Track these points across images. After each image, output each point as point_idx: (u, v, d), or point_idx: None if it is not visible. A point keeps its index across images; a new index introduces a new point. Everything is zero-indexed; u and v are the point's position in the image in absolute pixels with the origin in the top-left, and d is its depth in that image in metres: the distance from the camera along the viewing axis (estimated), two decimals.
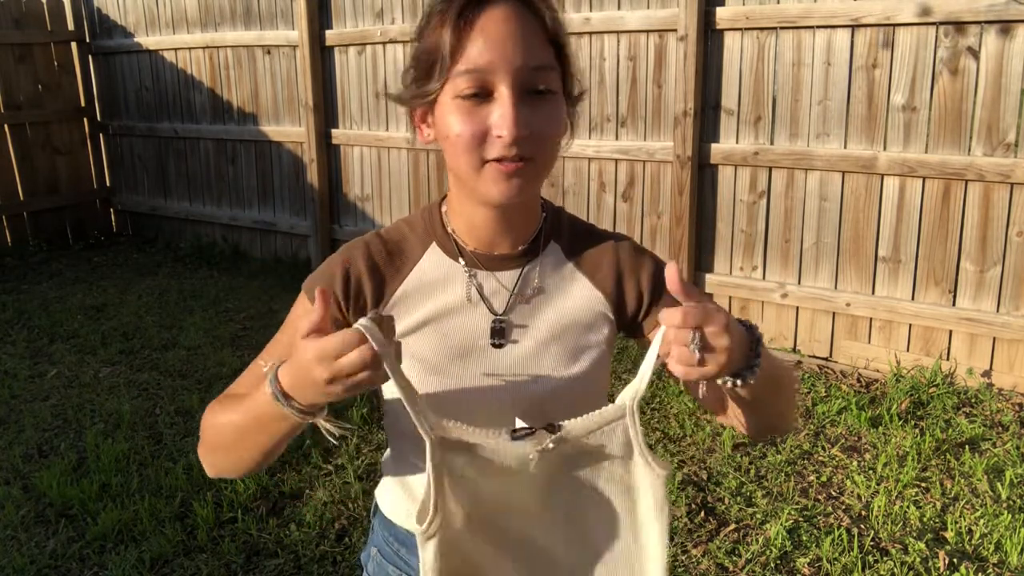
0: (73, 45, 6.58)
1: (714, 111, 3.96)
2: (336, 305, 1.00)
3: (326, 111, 5.37)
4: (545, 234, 1.04)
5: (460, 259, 1.02)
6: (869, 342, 3.76)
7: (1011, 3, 3.18)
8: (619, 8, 4.13)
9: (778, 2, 3.70)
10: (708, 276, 4.09)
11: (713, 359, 0.81)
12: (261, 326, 4.62)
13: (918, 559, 2.45)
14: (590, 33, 4.22)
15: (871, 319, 3.72)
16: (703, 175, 4.03)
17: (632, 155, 4.20)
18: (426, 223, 1.05)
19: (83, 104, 6.67)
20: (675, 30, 3.92)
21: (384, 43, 4.98)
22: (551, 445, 0.88)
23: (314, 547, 2.59)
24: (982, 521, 2.61)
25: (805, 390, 3.57)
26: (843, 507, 2.74)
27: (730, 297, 4.08)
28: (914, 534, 2.57)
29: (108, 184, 6.87)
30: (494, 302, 1.01)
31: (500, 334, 1.00)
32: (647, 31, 4.04)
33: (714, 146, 3.95)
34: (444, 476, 0.87)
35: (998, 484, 2.80)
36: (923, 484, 2.84)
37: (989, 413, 3.31)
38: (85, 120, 6.71)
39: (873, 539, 2.56)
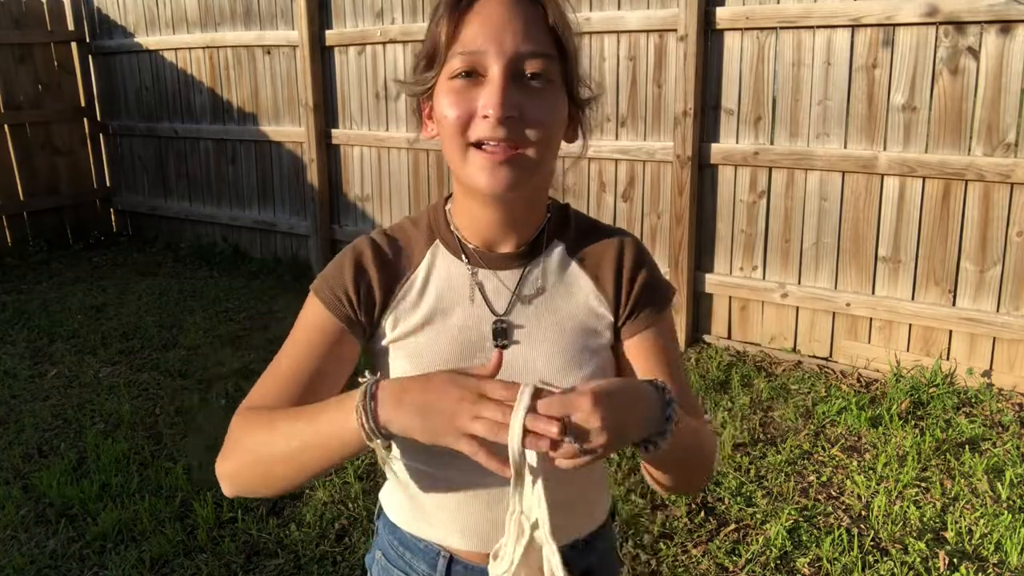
0: (73, 45, 6.58)
1: (714, 111, 3.96)
2: (348, 304, 0.98)
3: (326, 111, 5.37)
4: (548, 233, 1.03)
5: (463, 257, 1.01)
6: (869, 342, 3.76)
7: (1011, 3, 3.18)
8: (619, 8, 4.12)
9: (778, 2, 3.70)
10: (708, 276, 4.09)
11: (595, 440, 0.75)
12: (261, 326, 4.62)
13: (918, 559, 2.45)
14: (590, 33, 4.22)
15: (871, 319, 3.72)
16: (703, 175, 4.03)
17: (632, 155, 4.20)
18: (431, 220, 1.04)
19: (83, 104, 6.66)
20: (675, 30, 3.92)
21: (384, 43, 4.97)
22: None
23: (314, 547, 2.59)
24: (982, 521, 2.61)
25: (805, 390, 3.57)
26: (843, 507, 2.74)
27: (730, 297, 4.08)
28: (914, 534, 2.57)
29: (108, 184, 6.87)
30: (495, 302, 1.00)
31: (502, 335, 0.99)
32: (647, 31, 4.04)
33: (714, 146, 3.95)
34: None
35: (998, 484, 2.80)
36: (923, 484, 2.84)
37: (989, 413, 3.31)
38: (85, 120, 6.71)
39: (873, 539, 2.56)
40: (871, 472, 2.93)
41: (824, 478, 2.91)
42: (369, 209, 5.36)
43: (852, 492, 2.82)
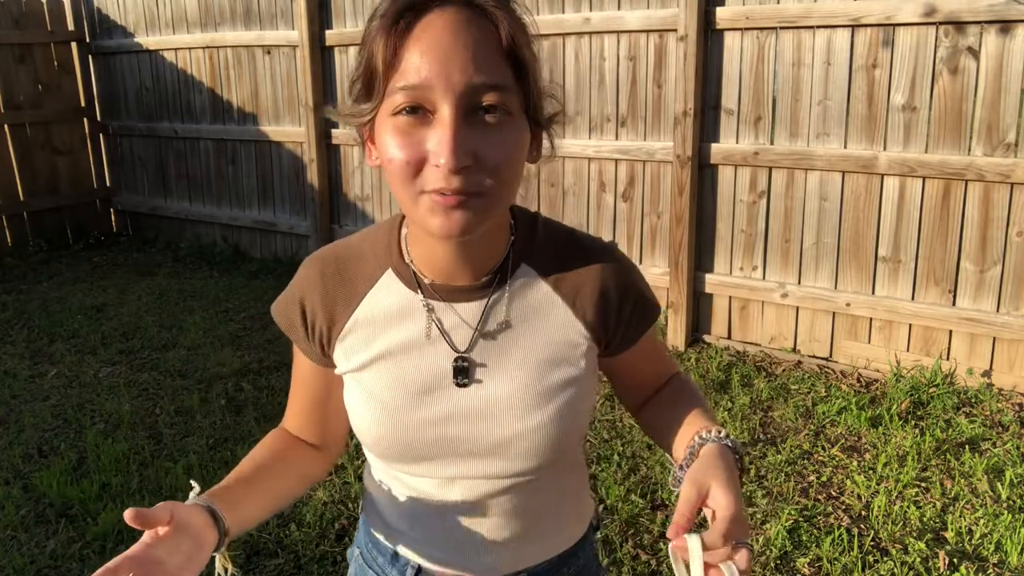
0: (73, 45, 6.58)
1: (714, 111, 3.96)
2: (306, 340, 0.98)
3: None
4: (514, 258, 0.93)
5: (418, 290, 0.92)
6: (869, 342, 3.76)
7: (1011, 3, 3.18)
8: (619, 8, 4.13)
9: (778, 2, 3.70)
10: (708, 276, 4.09)
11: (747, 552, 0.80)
12: (261, 326, 4.62)
13: (918, 559, 2.45)
14: (590, 33, 4.22)
15: (871, 319, 3.72)
16: (703, 175, 4.04)
17: (632, 155, 4.20)
18: (386, 244, 0.95)
19: (83, 104, 6.66)
20: (675, 30, 3.92)
21: None
22: None
23: (314, 547, 2.59)
24: (982, 521, 2.61)
25: (805, 390, 3.57)
26: (843, 507, 2.74)
27: (730, 297, 4.08)
28: (914, 534, 2.57)
29: (108, 184, 6.87)
30: (455, 338, 0.91)
31: (463, 373, 0.91)
32: (647, 31, 4.05)
33: (714, 146, 3.95)
34: None
35: (998, 484, 2.80)
36: (923, 484, 2.84)
37: (989, 413, 3.31)
38: (85, 120, 6.71)
39: (873, 539, 2.56)
40: (871, 472, 2.93)
41: (824, 478, 2.91)
42: (369, 209, 5.36)
43: (852, 492, 2.82)
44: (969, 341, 3.51)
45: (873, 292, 3.71)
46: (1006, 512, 2.64)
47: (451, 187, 0.77)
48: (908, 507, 2.70)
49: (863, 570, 2.42)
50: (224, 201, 6.16)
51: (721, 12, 3.81)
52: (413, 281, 0.92)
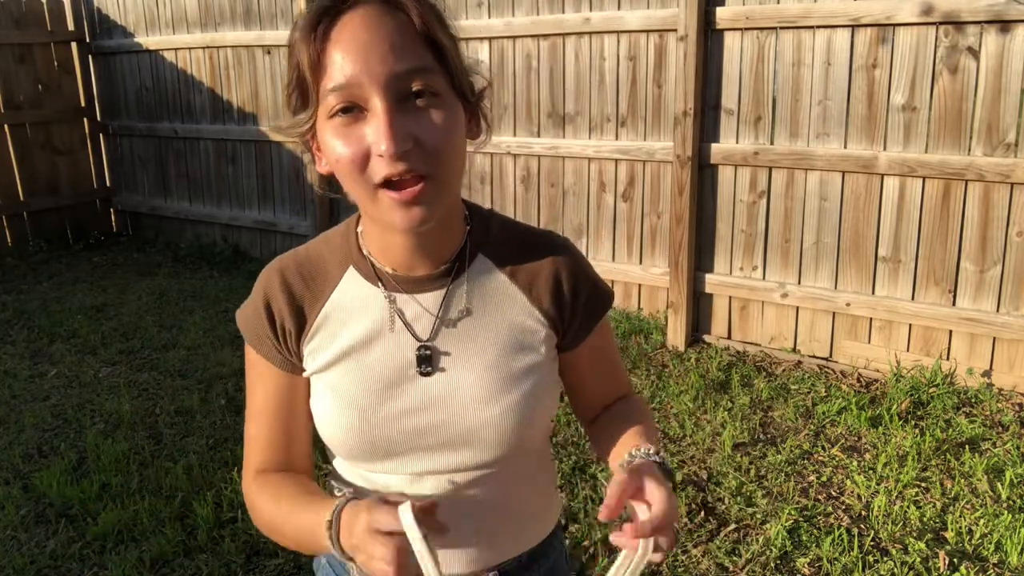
0: (73, 45, 6.58)
1: (714, 111, 3.96)
2: (274, 346, 0.97)
3: None
4: (471, 248, 0.96)
5: (379, 283, 0.94)
6: (869, 342, 3.76)
7: (1011, 2, 3.18)
8: (619, 8, 4.13)
9: (778, 2, 3.70)
10: (708, 276, 4.09)
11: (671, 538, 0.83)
12: None
13: (918, 559, 2.45)
14: (590, 33, 4.22)
15: (871, 319, 3.72)
16: (703, 175, 4.04)
17: (632, 155, 4.20)
18: (343, 243, 0.97)
19: (83, 104, 6.66)
20: (675, 30, 3.92)
21: None
22: None
23: None
24: (982, 521, 2.61)
25: (805, 390, 3.57)
26: (843, 507, 2.74)
27: (730, 297, 4.08)
28: (914, 534, 2.57)
29: (108, 184, 6.87)
30: (417, 327, 0.93)
31: (427, 361, 0.93)
32: (647, 31, 4.04)
33: (714, 146, 3.95)
34: None
35: (998, 484, 2.80)
36: (923, 484, 2.84)
37: (989, 413, 3.31)
38: (85, 120, 6.71)
39: (873, 539, 2.56)
40: (871, 472, 2.93)
41: (824, 478, 2.91)
42: None
43: (852, 492, 2.82)
44: (969, 341, 3.51)
45: (873, 292, 3.71)
46: (1006, 512, 2.64)
47: (397, 171, 0.80)
48: (908, 507, 2.70)
49: (863, 570, 2.42)
50: (224, 201, 6.16)
51: (721, 12, 3.81)
52: (373, 275, 0.95)
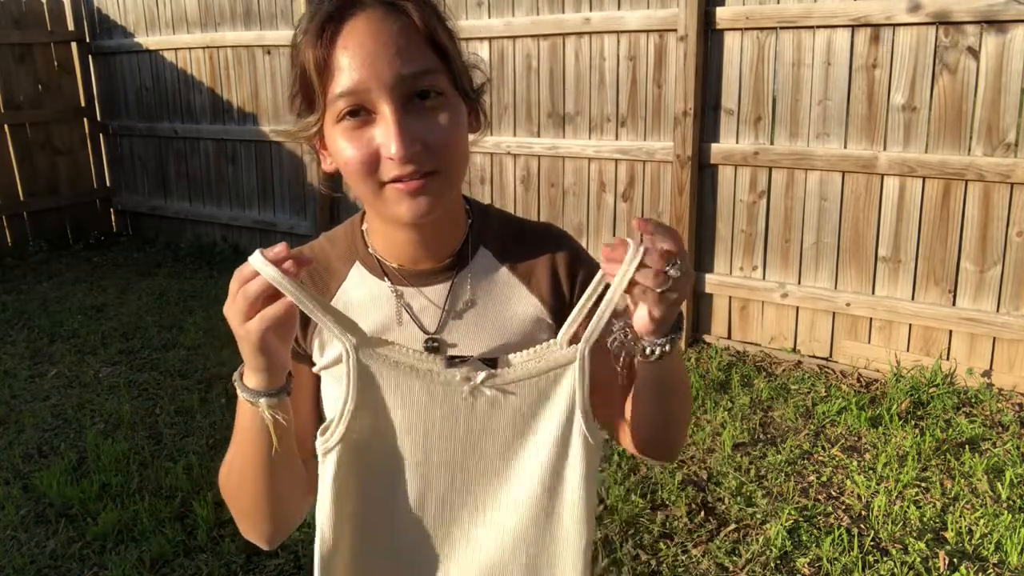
0: (73, 45, 6.58)
1: (714, 111, 3.96)
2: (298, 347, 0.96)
3: None
4: (473, 241, 0.98)
5: (385, 278, 0.96)
6: (869, 342, 3.76)
7: (1010, 2, 3.18)
8: (619, 8, 4.12)
9: (778, 2, 3.70)
10: (708, 276, 4.09)
11: (681, 288, 0.78)
12: None
13: (918, 559, 2.45)
14: (590, 33, 4.22)
15: (871, 319, 3.72)
16: (703, 175, 4.04)
17: (632, 155, 4.20)
18: (348, 241, 0.99)
19: (83, 104, 6.66)
20: (675, 30, 3.92)
21: None
22: (482, 379, 0.84)
23: (314, 547, 2.59)
24: (982, 521, 2.61)
25: (805, 390, 3.57)
26: (843, 507, 2.74)
27: (730, 297, 4.08)
28: (914, 534, 2.57)
29: (108, 184, 6.87)
30: (424, 320, 0.94)
31: (435, 353, 0.93)
32: (647, 31, 4.04)
33: (714, 146, 3.95)
34: (360, 388, 0.83)
35: (998, 484, 2.80)
36: (923, 484, 2.84)
37: (989, 413, 3.31)
38: (85, 120, 6.70)
39: (873, 539, 2.56)
40: (871, 472, 2.93)
41: (824, 478, 2.91)
42: None
43: (852, 492, 2.82)
44: (969, 341, 3.51)
45: (873, 292, 3.71)
46: (1006, 512, 2.64)
47: (406, 172, 0.83)
48: (908, 507, 2.70)
49: (863, 570, 2.42)
50: (224, 201, 6.16)
51: (721, 12, 3.81)
52: (380, 270, 0.96)
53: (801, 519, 2.67)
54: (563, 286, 0.99)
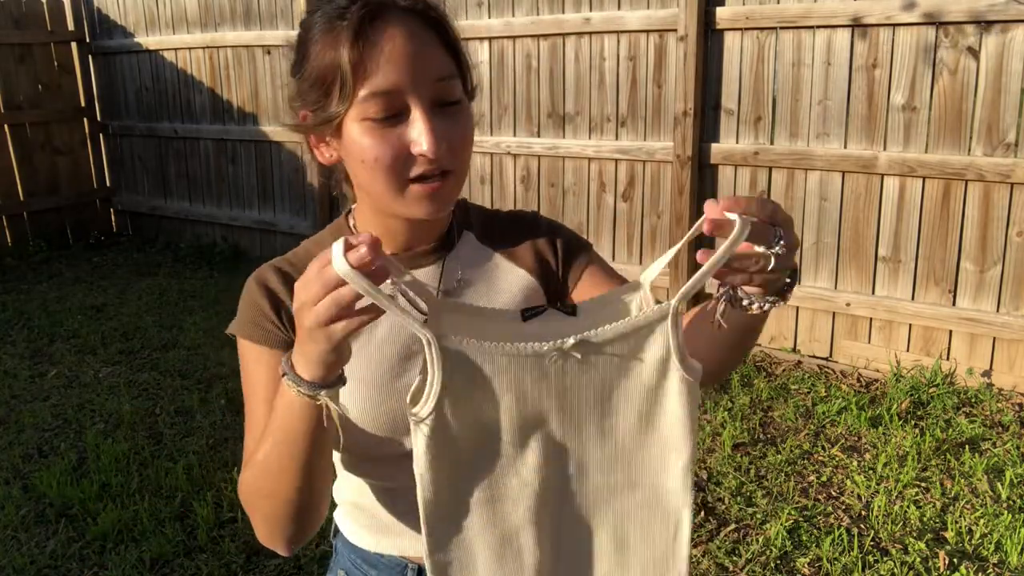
0: (73, 45, 6.58)
1: (714, 111, 3.96)
2: (278, 329, 0.96)
3: None
4: (457, 225, 1.03)
5: None
6: (869, 342, 3.76)
7: (1011, 3, 3.18)
8: (619, 8, 4.12)
9: (778, 2, 3.70)
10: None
11: (784, 262, 0.74)
12: None
13: (918, 559, 2.45)
14: (590, 33, 4.22)
15: (871, 319, 3.72)
16: (703, 175, 4.03)
17: (632, 155, 4.20)
18: (337, 237, 0.99)
19: (83, 104, 6.66)
20: (675, 30, 3.92)
21: None
22: (572, 343, 0.80)
23: (314, 547, 2.59)
24: (982, 521, 2.61)
25: (805, 390, 3.57)
26: (843, 507, 2.74)
27: None
28: (914, 534, 2.57)
29: (108, 184, 6.87)
30: (419, 301, 0.97)
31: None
32: (647, 31, 4.04)
33: (714, 146, 3.95)
34: (446, 370, 0.80)
35: (998, 484, 2.80)
36: (923, 484, 2.84)
37: (989, 413, 3.31)
38: (85, 120, 6.70)
39: (873, 539, 2.56)
40: (871, 472, 2.93)
41: (824, 478, 2.91)
42: None
43: (852, 492, 2.82)
44: (969, 341, 3.51)
45: (873, 292, 3.71)
46: (1006, 512, 2.64)
47: (433, 169, 0.88)
48: (908, 507, 2.70)
49: (863, 570, 2.42)
50: (224, 201, 6.16)
51: (721, 12, 3.81)
52: None
53: (801, 519, 2.67)
54: (546, 254, 1.04)
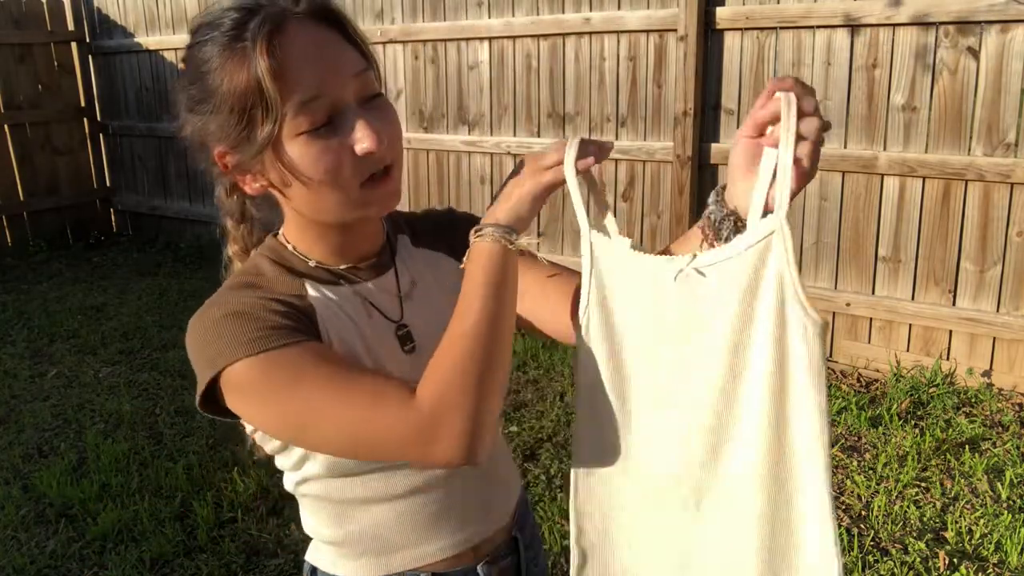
0: (73, 45, 6.58)
1: (714, 111, 3.96)
2: (289, 319, 0.88)
3: None
4: (391, 232, 1.04)
5: (341, 281, 0.95)
6: (869, 342, 3.76)
7: (1011, 3, 3.18)
8: (619, 8, 4.13)
9: (778, 2, 3.70)
10: None
11: (826, 124, 0.80)
12: None
13: (918, 559, 2.45)
14: (590, 33, 4.22)
15: (871, 319, 3.72)
16: (703, 175, 4.03)
17: (632, 155, 4.20)
18: (280, 268, 0.95)
19: (83, 104, 6.66)
20: (675, 30, 3.92)
21: (384, 43, 4.97)
22: (687, 262, 0.83)
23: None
24: (982, 521, 2.61)
25: None
26: (843, 507, 2.74)
27: None
28: (914, 534, 2.57)
29: (108, 184, 6.87)
30: (385, 310, 0.97)
31: (408, 339, 0.96)
32: (647, 31, 4.05)
33: (714, 146, 3.95)
34: (596, 283, 0.90)
35: (998, 484, 2.80)
36: (923, 484, 2.84)
37: (989, 413, 3.31)
38: (85, 120, 6.71)
39: (873, 539, 2.56)
40: (871, 472, 2.93)
41: None
42: None
43: (852, 492, 2.82)
44: (969, 341, 3.51)
45: (873, 292, 3.71)
46: (1006, 512, 2.64)
47: (379, 166, 0.87)
48: (908, 507, 2.70)
49: (863, 570, 2.42)
50: None
51: (721, 12, 3.81)
52: (333, 278, 0.96)
53: None
54: (448, 234, 1.06)
